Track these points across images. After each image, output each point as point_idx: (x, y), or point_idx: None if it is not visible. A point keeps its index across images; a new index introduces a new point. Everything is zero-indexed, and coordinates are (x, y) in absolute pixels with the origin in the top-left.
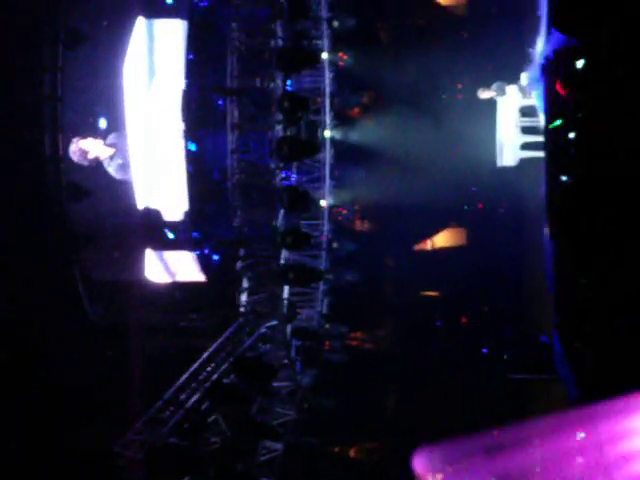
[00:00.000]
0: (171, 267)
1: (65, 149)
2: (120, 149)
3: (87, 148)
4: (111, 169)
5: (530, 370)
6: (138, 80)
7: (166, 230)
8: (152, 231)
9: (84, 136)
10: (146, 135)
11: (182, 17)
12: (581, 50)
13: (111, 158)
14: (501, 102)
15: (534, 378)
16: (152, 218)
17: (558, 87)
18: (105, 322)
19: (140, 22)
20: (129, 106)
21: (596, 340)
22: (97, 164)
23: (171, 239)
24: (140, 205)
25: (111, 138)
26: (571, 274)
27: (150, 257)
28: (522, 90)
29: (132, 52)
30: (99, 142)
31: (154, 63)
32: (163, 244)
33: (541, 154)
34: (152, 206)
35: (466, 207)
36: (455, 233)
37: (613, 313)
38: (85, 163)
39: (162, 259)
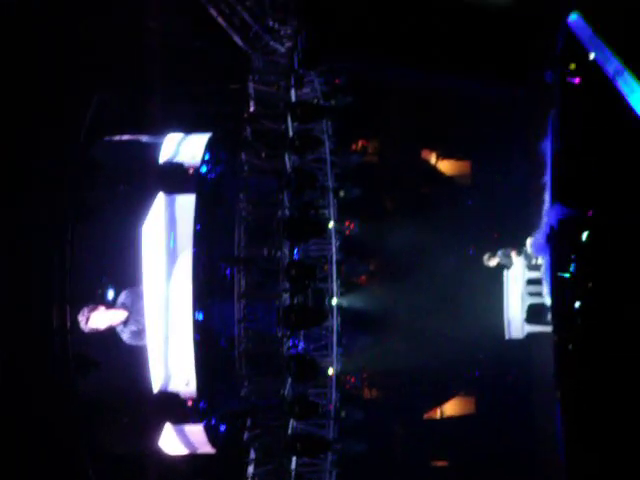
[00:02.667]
0: (183, 439)
1: (74, 320)
2: (132, 313)
3: (98, 319)
4: (125, 336)
5: None
6: (154, 250)
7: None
8: (167, 405)
9: (94, 306)
10: (160, 303)
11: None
12: (585, 222)
13: (124, 324)
14: (508, 272)
15: None
16: (167, 394)
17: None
18: None
19: (160, 197)
20: (146, 274)
21: None
22: (108, 332)
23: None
24: (155, 380)
25: (123, 297)
26: (582, 443)
27: (165, 429)
28: (527, 257)
29: (149, 224)
30: (109, 310)
31: (169, 233)
32: (175, 418)
33: (548, 329)
34: (166, 382)
35: (477, 373)
36: (464, 401)
37: None
38: (98, 331)
39: (176, 430)
